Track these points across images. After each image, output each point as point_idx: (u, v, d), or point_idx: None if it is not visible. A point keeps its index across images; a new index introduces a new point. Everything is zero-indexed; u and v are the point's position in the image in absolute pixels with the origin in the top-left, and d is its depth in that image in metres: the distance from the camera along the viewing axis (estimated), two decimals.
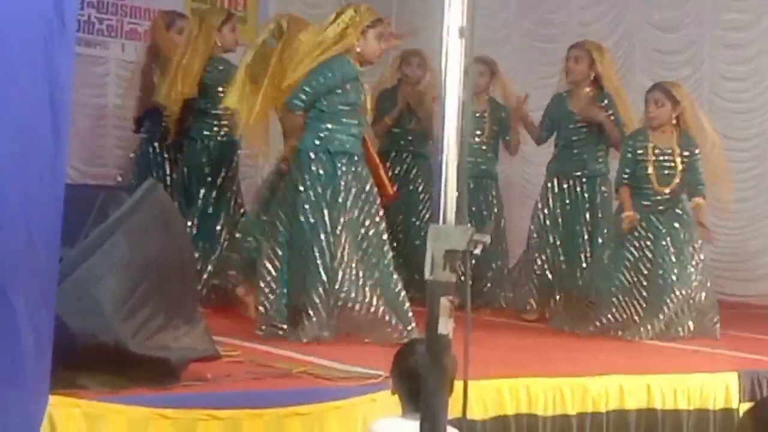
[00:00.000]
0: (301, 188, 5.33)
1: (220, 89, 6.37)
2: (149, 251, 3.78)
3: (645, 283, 6.19)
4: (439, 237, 2.27)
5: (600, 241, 6.69)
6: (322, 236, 5.21)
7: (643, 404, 4.71)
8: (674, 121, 6.26)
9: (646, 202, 6.27)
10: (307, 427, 3.80)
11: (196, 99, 6.54)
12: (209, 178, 6.59)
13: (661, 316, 6.07)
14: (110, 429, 3.45)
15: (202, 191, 6.58)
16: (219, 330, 4.66)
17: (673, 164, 6.25)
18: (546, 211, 6.89)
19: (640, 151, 6.25)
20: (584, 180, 6.82)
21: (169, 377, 3.80)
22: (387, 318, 5.21)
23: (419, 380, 3.11)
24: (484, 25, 8.22)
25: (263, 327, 5.28)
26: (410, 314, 5.28)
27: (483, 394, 4.27)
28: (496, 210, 7.33)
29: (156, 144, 6.84)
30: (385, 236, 5.42)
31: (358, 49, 5.40)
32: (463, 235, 2.26)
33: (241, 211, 6.69)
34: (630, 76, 8.60)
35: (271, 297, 5.30)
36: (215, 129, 6.61)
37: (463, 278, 2.32)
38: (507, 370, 4.58)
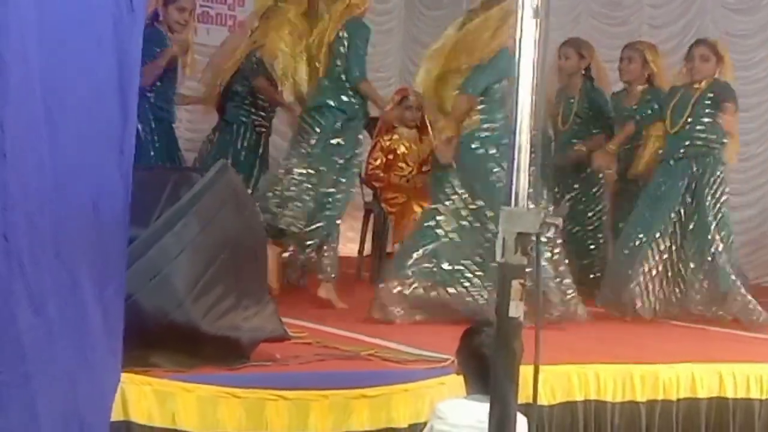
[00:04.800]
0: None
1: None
2: (221, 231, 3.81)
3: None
4: (511, 220, 2.25)
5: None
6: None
7: (714, 393, 4.64)
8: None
9: None
10: (375, 410, 3.80)
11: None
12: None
13: None
14: (180, 407, 3.50)
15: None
16: (286, 311, 4.69)
17: None
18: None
19: None
20: None
21: (238, 357, 3.84)
22: None
23: (485, 361, 3.12)
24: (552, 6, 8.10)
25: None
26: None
27: (551, 380, 4.24)
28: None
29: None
30: None
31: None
32: (535, 217, 2.23)
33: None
34: None
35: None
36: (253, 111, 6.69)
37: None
38: (575, 356, 4.55)
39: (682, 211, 6.19)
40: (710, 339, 5.71)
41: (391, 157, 7.18)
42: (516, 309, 2.25)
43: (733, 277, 6.11)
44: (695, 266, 6.14)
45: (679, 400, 4.56)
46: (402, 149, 7.19)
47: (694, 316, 6.16)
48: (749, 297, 6.12)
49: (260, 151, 6.77)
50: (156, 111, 6.39)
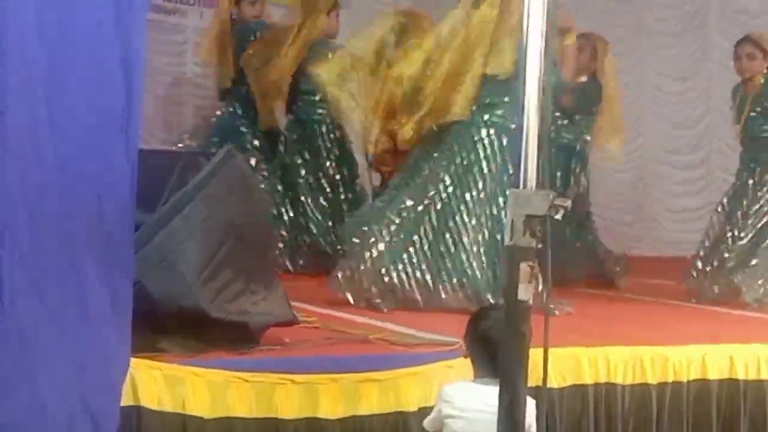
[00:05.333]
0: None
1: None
2: (229, 216, 3.81)
3: None
4: (520, 202, 2.24)
5: None
6: None
7: (725, 374, 4.63)
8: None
9: None
10: (383, 393, 3.80)
11: (298, 80, 6.63)
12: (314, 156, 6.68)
13: None
14: (190, 391, 3.50)
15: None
16: (298, 296, 4.69)
17: None
18: None
19: None
20: None
21: (247, 341, 3.84)
22: None
23: (492, 345, 3.12)
24: None
25: None
26: None
27: (561, 363, 4.23)
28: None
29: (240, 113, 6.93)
30: None
31: None
32: (543, 200, 2.22)
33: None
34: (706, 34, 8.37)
35: None
36: (318, 110, 6.69)
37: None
38: (585, 339, 4.54)
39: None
40: (720, 320, 5.70)
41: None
42: (525, 292, 2.24)
43: None
44: None
45: (689, 382, 4.55)
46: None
47: None
48: None
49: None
50: None
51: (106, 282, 3.18)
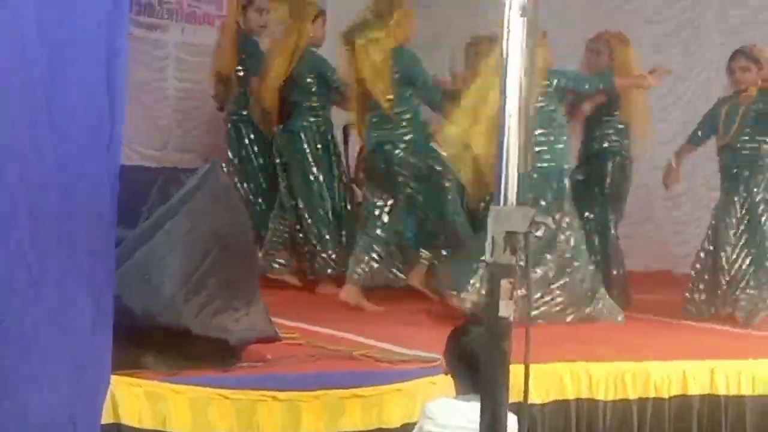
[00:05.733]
0: None
1: (309, 80, 6.57)
2: (210, 232, 3.80)
3: None
4: (500, 219, 2.24)
5: None
6: None
7: (706, 390, 4.64)
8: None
9: None
10: (367, 409, 3.80)
11: (290, 91, 6.64)
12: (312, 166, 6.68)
13: None
14: (171, 408, 3.48)
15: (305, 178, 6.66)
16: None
17: None
18: None
19: None
20: None
21: (229, 358, 3.83)
22: None
23: (473, 361, 3.12)
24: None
25: None
26: None
27: (543, 378, 4.23)
28: None
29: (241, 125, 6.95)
30: None
31: None
32: (524, 216, 2.23)
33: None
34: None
35: None
36: (311, 120, 6.69)
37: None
38: (567, 354, 4.55)
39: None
40: (701, 335, 5.71)
41: None
42: (506, 308, 2.25)
43: None
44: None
45: (671, 397, 4.56)
46: None
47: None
48: None
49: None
50: None
51: (87, 297, 3.18)
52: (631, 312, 6.10)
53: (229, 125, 7.04)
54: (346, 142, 7.22)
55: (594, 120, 6.53)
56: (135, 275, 3.59)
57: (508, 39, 2.35)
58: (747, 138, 6.26)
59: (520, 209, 2.24)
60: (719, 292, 6.19)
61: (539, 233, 2.23)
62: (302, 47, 6.62)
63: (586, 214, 6.40)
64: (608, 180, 6.56)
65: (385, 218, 6.06)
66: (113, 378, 3.36)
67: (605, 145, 6.56)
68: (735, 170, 6.27)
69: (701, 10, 8.48)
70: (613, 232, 6.57)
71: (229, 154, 6.99)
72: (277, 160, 6.81)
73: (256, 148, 7.03)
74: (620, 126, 6.56)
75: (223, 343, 3.79)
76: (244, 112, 6.96)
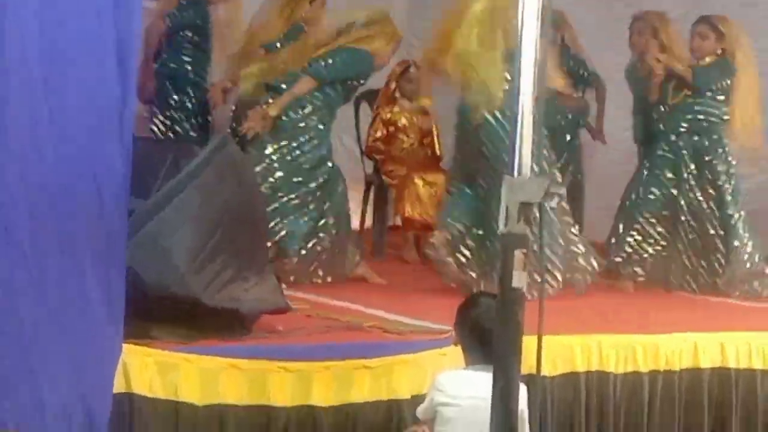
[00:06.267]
0: None
1: None
2: (221, 204, 3.80)
3: None
4: (514, 189, 2.24)
5: None
6: None
7: (716, 363, 4.64)
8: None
9: None
10: (376, 380, 3.81)
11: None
12: None
13: None
14: (182, 378, 3.50)
15: None
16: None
17: None
18: None
19: None
20: None
21: (240, 329, 3.84)
22: None
23: (484, 333, 3.12)
24: None
25: None
26: None
27: (553, 351, 4.23)
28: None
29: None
30: None
31: None
32: (538, 186, 2.22)
33: None
34: None
35: None
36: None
37: None
38: (578, 327, 4.54)
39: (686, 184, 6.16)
40: (712, 308, 5.70)
41: (392, 129, 7.15)
42: (519, 279, 2.24)
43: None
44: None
45: (681, 370, 4.56)
46: (403, 121, 7.16)
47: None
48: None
49: None
50: None
51: (100, 268, 3.18)
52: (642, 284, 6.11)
53: None
54: (357, 115, 7.19)
55: None
56: (147, 246, 3.59)
57: (523, 10, 2.33)
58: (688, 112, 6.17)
59: (534, 179, 2.23)
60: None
61: (553, 203, 2.22)
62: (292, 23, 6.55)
63: None
64: None
65: None
66: (125, 347, 3.37)
67: None
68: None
69: None
70: None
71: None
72: None
73: None
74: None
75: (235, 313, 3.80)
76: None
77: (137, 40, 3.33)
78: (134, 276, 3.43)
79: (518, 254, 2.22)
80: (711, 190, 6.12)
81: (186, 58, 6.61)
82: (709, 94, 6.15)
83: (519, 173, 2.25)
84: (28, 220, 3.00)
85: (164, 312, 3.62)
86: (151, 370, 3.46)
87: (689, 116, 6.18)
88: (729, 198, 6.08)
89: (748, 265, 6.04)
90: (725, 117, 6.16)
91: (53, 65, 3.07)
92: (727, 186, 6.11)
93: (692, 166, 6.15)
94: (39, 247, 3.03)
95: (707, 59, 6.17)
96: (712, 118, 6.16)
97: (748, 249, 6.05)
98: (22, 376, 3.02)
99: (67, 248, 3.10)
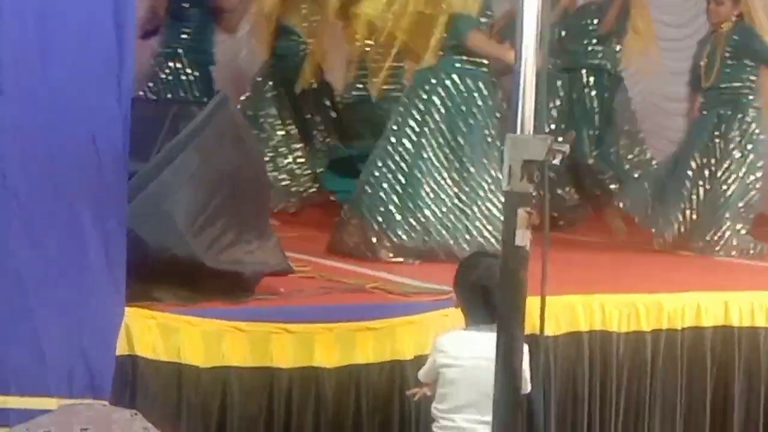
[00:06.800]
0: None
1: None
2: (221, 165, 3.78)
3: None
4: (517, 147, 2.21)
5: None
6: None
7: (719, 321, 4.63)
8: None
9: None
10: (379, 342, 3.80)
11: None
12: None
13: None
14: (185, 340, 3.49)
15: None
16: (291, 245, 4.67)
17: None
18: None
19: None
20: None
21: (242, 291, 3.83)
22: None
23: (485, 293, 3.12)
24: None
25: None
26: None
27: (556, 311, 4.23)
28: None
29: None
30: None
31: None
32: (541, 144, 2.19)
33: None
34: None
35: None
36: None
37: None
38: (580, 287, 4.54)
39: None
40: (715, 267, 5.70)
41: None
42: (522, 238, 2.22)
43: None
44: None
45: (684, 329, 4.55)
46: None
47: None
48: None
49: None
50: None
51: (101, 230, 3.18)
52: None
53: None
54: None
55: None
56: (147, 208, 3.58)
57: None
58: (727, 78, 6.15)
59: (537, 137, 2.21)
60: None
61: (556, 161, 2.19)
62: None
63: None
64: None
65: None
66: (127, 310, 3.36)
67: None
68: (720, 110, 6.17)
69: None
70: None
71: None
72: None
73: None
74: None
75: (237, 276, 3.79)
76: None
77: (133, 1, 3.29)
78: (135, 238, 3.42)
79: (521, 212, 2.20)
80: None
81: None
82: None
83: (522, 131, 2.23)
84: (24, 180, 2.98)
85: (166, 274, 3.61)
86: (153, 332, 3.45)
87: None
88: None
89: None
90: None
91: (49, 25, 3.05)
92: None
93: None
94: (37, 207, 3.01)
95: None
96: None
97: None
98: (20, 328, 3.01)
99: (67, 211, 3.09)
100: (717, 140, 6.14)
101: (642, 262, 5.76)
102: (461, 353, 3.23)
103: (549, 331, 4.19)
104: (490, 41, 5.51)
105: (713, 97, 6.20)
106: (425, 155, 5.27)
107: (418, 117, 5.33)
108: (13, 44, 2.96)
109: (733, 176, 6.09)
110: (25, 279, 2.98)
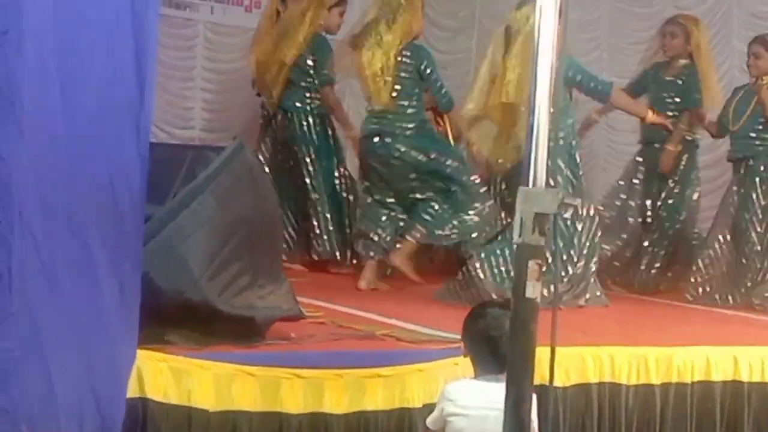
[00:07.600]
0: None
1: (310, 63, 6.61)
2: (237, 210, 3.82)
3: None
4: (529, 200, 2.25)
5: None
6: None
7: (729, 376, 4.63)
8: None
9: None
10: (389, 389, 3.81)
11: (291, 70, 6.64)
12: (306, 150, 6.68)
13: None
14: (196, 384, 3.51)
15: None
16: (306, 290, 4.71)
17: None
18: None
19: None
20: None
21: (254, 335, 3.85)
22: None
23: (493, 343, 3.13)
24: None
25: None
26: None
27: (565, 362, 4.23)
28: None
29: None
30: None
31: None
32: (553, 198, 2.23)
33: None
34: (725, 42, 8.33)
35: None
36: (307, 101, 6.69)
37: None
38: (590, 338, 4.54)
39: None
40: (725, 322, 5.69)
41: None
42: (533, 290, 2.25)
43: None
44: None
45: (693, 383, 4.55)
46: None
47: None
48: None
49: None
50: None
51: (116, 272, 3.20)
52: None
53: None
54: None
55: None
56: (162, 252, 3.61)
57: (539, 21, 2.35)
58: (760, 126, 6.23)
59: (549, 191, 2.24)
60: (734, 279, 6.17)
61: (567, 215, 2.23)
62: (312, 31, 6.60)
63: None
64: None
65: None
66: (139, 352, 3.38)
67: None
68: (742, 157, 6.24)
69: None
70: None
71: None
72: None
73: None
74: None
75: (248, 320, 3.81)
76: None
77: (155, 45, 3.34)
78: (149, 281, 3.45)
79: (532, 265, 2.23)
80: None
81: None
82: None
83: (534, 184, 2.26)
84: (41, 220, 3.01)
85: (179, 318, 3.64)
86: (165, 375, 3.47)
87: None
88: None
89: None
90: None
91: (70, 66, 3.08)
92: None
93: None
94: (54, 247, 3.03)
95: None
96: None
97: None
98: (33, 369, 3.01)
99: (83, 252, 3.11)
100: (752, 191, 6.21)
101: (650, 314, 5.76)
102: (470, 402, 3.23)
103: (558, 383, 4.19)
104: (630, 99, 6.32)
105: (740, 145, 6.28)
106: None
107: None
108: (32, 84, 2.99)
109: None
110: (39, 319, 3.00)
